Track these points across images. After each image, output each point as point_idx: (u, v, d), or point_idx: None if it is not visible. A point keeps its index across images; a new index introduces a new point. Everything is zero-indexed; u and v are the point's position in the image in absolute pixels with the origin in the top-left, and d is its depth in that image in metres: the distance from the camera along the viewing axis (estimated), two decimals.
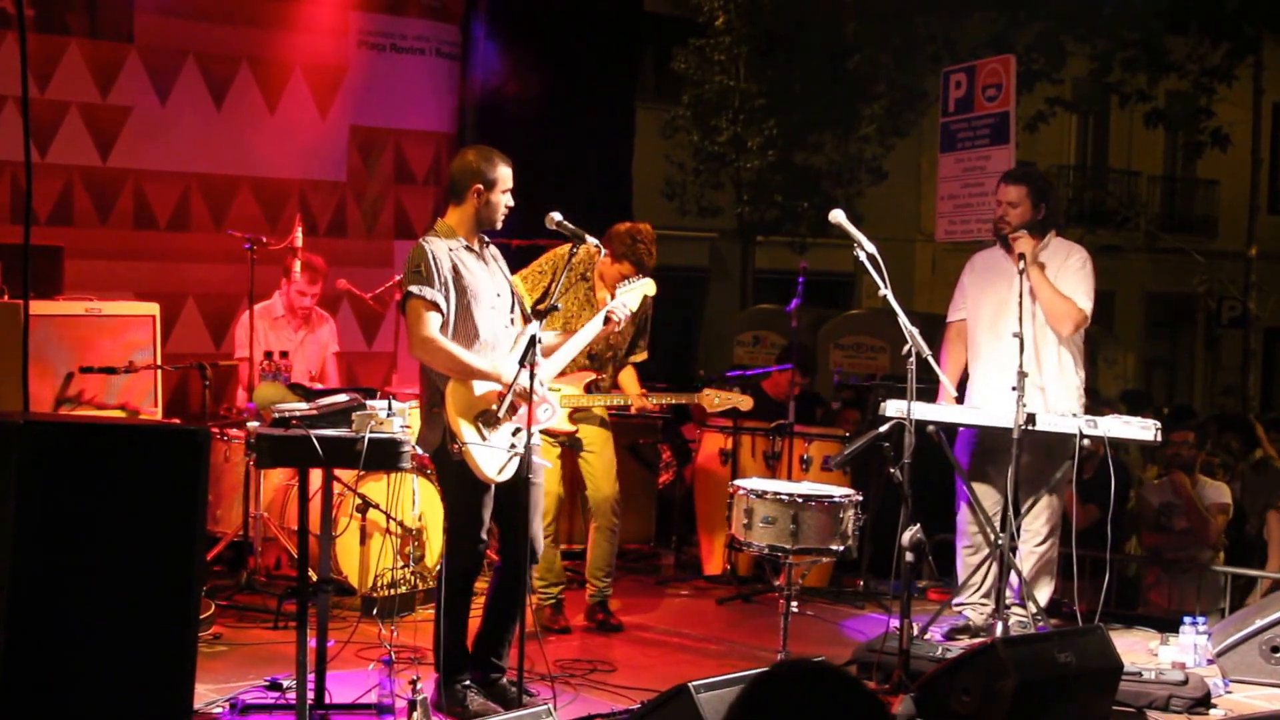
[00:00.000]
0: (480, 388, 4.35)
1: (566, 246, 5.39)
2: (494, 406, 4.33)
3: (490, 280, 4.47)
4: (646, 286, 5.07)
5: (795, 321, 6.87)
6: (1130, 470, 8.29)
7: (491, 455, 4.30)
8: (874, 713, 1.98)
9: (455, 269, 4.36)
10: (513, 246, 6.25)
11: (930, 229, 10.02)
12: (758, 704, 1.97)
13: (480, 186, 4.41)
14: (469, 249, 4.45)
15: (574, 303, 5.57)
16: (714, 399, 5.68)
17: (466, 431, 4.29)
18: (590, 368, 5.60)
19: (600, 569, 5.72)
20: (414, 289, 4.31)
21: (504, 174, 4.44)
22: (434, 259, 4.33)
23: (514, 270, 4.77)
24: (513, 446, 4.33)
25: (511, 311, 4.55)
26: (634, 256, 5.50)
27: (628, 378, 5.79)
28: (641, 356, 5.81)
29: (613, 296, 5.43)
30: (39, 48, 6.77)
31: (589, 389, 5.60)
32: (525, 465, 4.36)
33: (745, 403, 5.73)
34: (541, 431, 5.43)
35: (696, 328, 18.30)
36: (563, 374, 5.46)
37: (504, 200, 4.45)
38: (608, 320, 4.79)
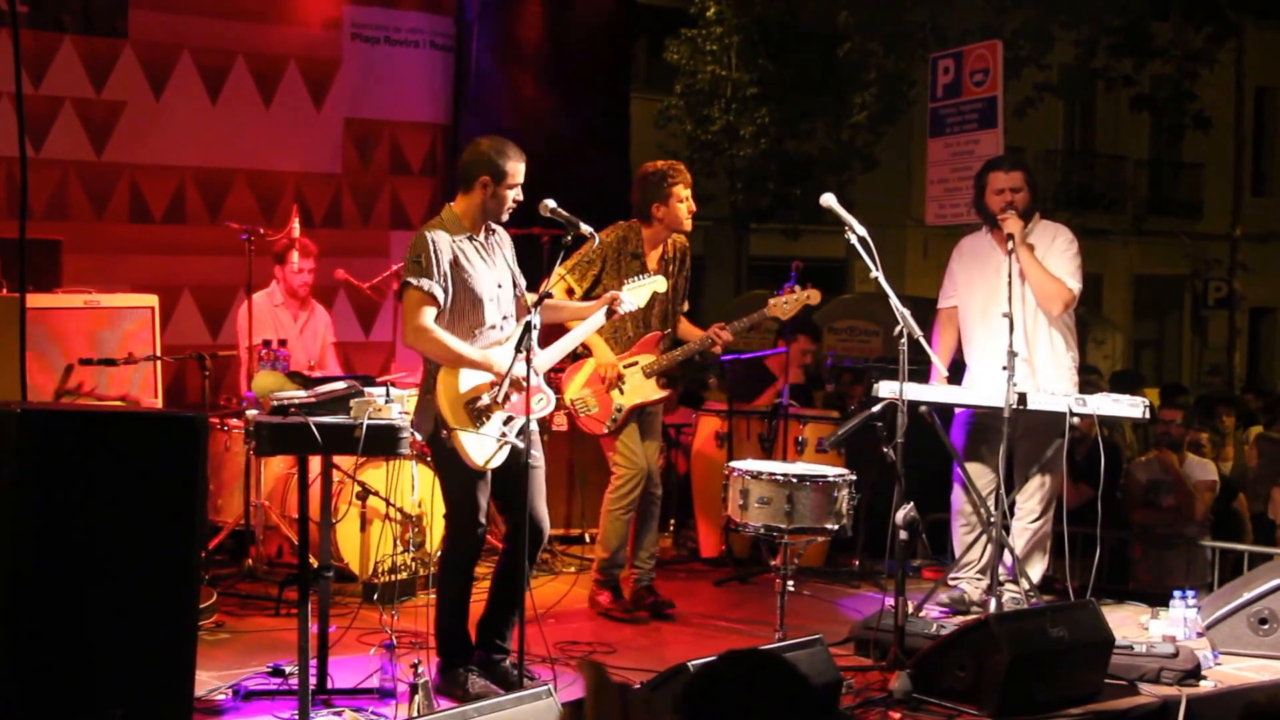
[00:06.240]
0: (471, 377, 4.39)
1: (615, 233, 5.47)
2: (484, 397, 4.37)
3: (491, 271, 4.51)
4: (656, 284, 5.10)
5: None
6: (1122, 451, 8.36)
7: (480, 443, 4.34)
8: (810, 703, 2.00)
9: (456, 261, 4.40)
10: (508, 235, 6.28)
11: (921, 214, 10.07)
12: (700, 696, 1.99)
13: (487, 178, 4.44)
14: (472, 239, 4.49)
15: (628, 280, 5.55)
16: (783, 306, 5.57)
17: (457, 419, 4.34)
18: (654, 328, 5.62)
19: (645, 548, 5.67)
20: (412, 279, 4.35)
21: (514, 169, 4.45)
22: (435, 250, 4.36)
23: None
24: (503, 435, 4.37)
25: (515, 302, 4.60)
26: (675, 180, 5.49)
27: (685, 329, 5.78)
28: (685, 306, 5.84)
29: (671, 251, 5.52)
30: (33, 44, 6.80)
31: (660, 347, 5.61)
32: (524, 450, 4.40)
33: (814, 297, 5.59)
34: (638, 404, 5.52)
35: (692, 314, 18.34)
36: (631, 349, 5.53)
37: (511, 195, 4.46)
38: (611, 313, 4.81)
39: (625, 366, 5.54)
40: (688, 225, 5.62)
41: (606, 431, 5.56)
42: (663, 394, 5.64)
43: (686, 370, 7.89)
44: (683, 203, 5.55)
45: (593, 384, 5.55)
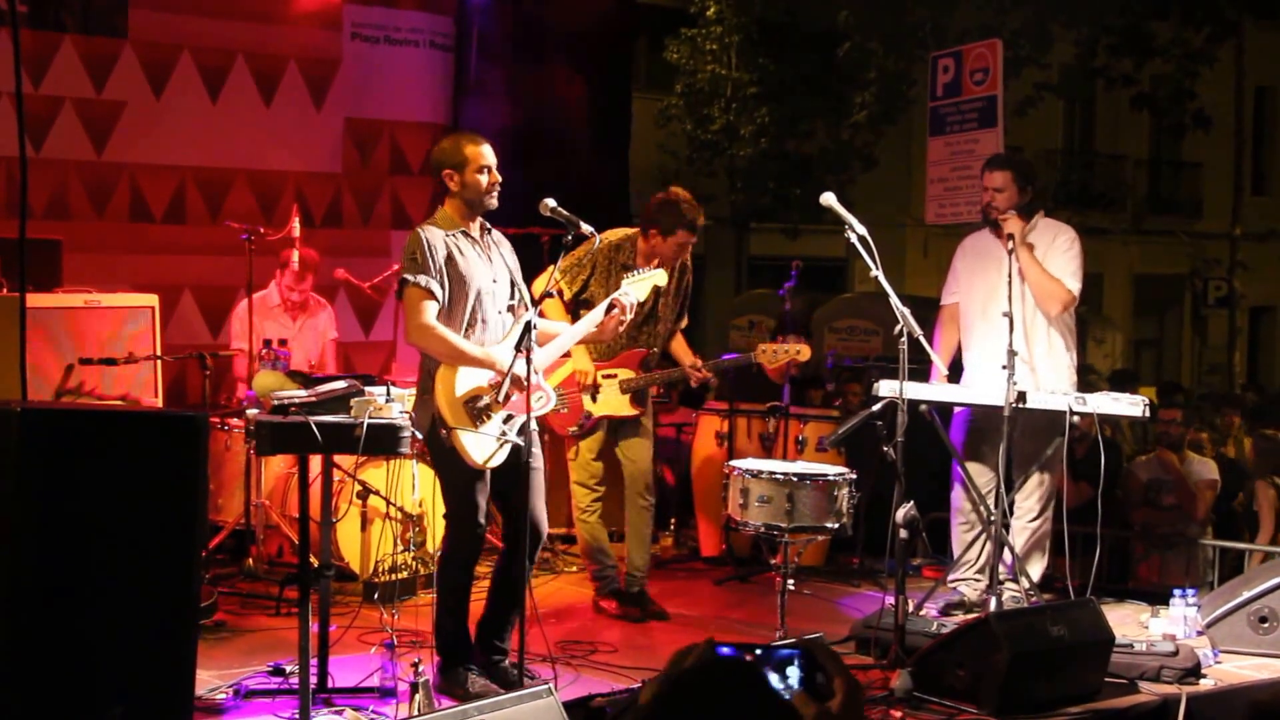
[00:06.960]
0: (469, 376, 4.38)
1: (607, 240, 5.46)
2: (484, 395, 4.36)
3: (487, 267, 4.50)
4: (656, 278, 5.00)
5: (789, 303, 6.93)
6: (1122, 449, 8.38)
7: (479, 442, 4.34)
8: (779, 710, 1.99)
9: (450, 256, 4.40)
10: (509, 235, 6.27)
11: (921, 213, 10.08)
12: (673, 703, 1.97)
13: (450, 170, 4.44)
14: (466, 235, 4.49)
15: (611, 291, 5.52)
16: (770, 355, 5.55)
17: (456, 418, 4.33)
18: (640, 344, 5.60)
19: (639, 552, 5.63)
20: (410, 277, 4.35)
21: (473, 152, 4.43)
22: (429, 247, 4.37)
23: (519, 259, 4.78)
24: (503, 434, 4.37)
25: (511, 298, 4.59)
26: (685, 222, 5.43)
27: (678, 346, 5.77)
28: (684, 323, 5.82)
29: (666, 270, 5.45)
30: (33, 44, 6.80)
31: (642, 365, 5.60)
32: (524, 449, 4.39)
33: (804, 353, 5.58)
34: (606, 416, 5.51)
35: (693, 314, 18.36)
36: (613, 360, 5.51)
37: (482, 178, 4.42)
38: (611, 307, 4.71)
39: (604, 376, 5.54)
40: (670, 264, 5.49)
41: (570, 434, 5.59)
42: (633, 412, 5.59)
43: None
44: (680, 245, 5.50)
45: (567, 385, 5.54)
